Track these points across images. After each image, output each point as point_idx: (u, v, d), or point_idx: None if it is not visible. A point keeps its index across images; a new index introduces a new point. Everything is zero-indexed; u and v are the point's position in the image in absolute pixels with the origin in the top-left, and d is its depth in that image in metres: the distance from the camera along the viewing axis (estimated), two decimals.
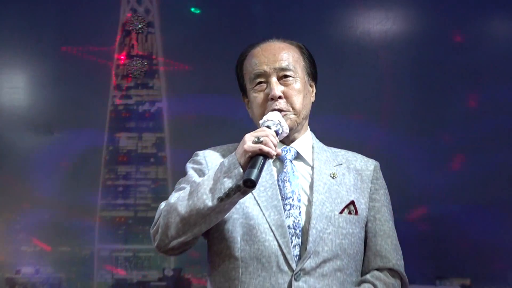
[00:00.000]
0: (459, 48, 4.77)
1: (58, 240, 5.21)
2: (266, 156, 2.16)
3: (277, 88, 2.38)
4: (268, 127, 2.26)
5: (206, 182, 2.20)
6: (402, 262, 2.38)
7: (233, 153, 2.21)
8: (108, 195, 5.40)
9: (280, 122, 2.30)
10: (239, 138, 2.30)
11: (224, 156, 2.37)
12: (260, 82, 2.41)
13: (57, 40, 5.18)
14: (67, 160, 5.24)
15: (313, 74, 2.50)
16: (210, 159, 2.39)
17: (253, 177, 2.09)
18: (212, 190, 2.18)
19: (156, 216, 2.30)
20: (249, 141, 2.18)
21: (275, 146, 2.17)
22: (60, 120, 5.24)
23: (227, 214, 2.25)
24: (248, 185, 2.10)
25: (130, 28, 5.40)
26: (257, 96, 2.41)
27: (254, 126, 2.38)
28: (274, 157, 2.17)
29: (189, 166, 2.41)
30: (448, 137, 4.74)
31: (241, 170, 2.15)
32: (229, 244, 2.29)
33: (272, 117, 2.30)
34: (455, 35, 4.79)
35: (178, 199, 2.22)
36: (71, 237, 5.24)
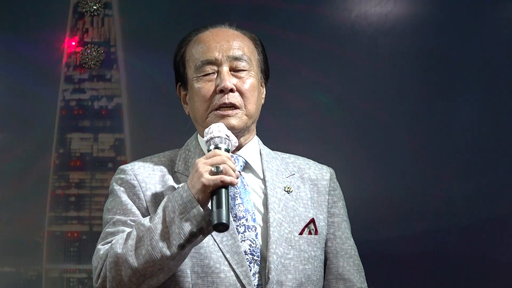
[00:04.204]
0: (473, 35, 4.68)
1: None
2: (228, 185, 2.16)
3: (230, 80, 2.35)
4: (217, 147, 2.23)
5: (158, 226, 2.18)
6: (366, 284, 2.45)
7: (184, 185, 2.19)
8: (58, 206, 5.33)
9: (228, 137, 2.27)
10: None
11: (157, 170, 2.37)
12: (208, 73, 2.38)
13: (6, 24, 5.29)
14: (10, 166, 5.24)
15: (266, 72, 2.50)
16: (142, 177, 2.35)
17: (224, 220, 2.08)
18: (169, 235, 2.18)
19: (97, 265, 2.27)
20: (205, 172, 2.16)
21: (234, 171, 2.17)
22: (1, 118, 5.21)
23: None
24: (220, 229, 2.10)
25: (83, 9, 5.34)
26: (203, 87, 2.37)
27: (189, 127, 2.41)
28: (237, 183, 2.19)
29: (118, 189, 2.37)
30: (458, 141, 4.71)
31: (201, 209, 2.14)
32: (177, 279, 2.28)
33: (217, 133, 2.27)
34: (469, 19, 4.70)
35: (127, 249, 2.20)
36: (15, 256, 5.25)
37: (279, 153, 2.52)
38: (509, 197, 4.56)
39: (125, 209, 2.30)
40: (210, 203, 2.16)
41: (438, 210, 4.64)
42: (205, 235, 2.17)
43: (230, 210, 2.16)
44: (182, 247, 2.15)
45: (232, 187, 2.25)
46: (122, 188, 2.35)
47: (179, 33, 4.99)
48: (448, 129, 4.68)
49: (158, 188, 2.35)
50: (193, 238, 2.15)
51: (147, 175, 2.35)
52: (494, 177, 4.60)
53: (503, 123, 4.63)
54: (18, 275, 5.27)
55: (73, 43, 5.33)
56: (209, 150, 2.24)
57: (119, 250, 2.19)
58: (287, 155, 2.53)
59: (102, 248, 2.27)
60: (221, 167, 2.15)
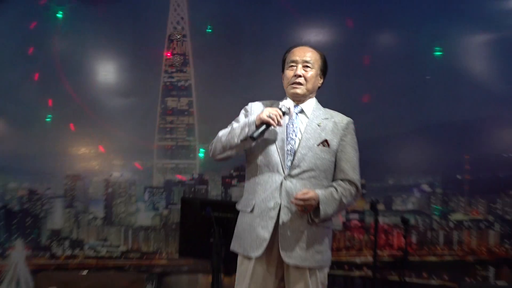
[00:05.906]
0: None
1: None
2: (270, 125, 3.05)
3: (300, 71, 3.16)
4: (280, 109, 3.07)
5: (237, 128, 3.08)
6: (359, 177, 3.19)
7: (256, 115, 3.04)
8: (160, 132, 7.48)
9: (289, 108, 3.08)
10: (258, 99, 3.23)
11: (262, 106, 3.21)
12: (292, 66, 3.19)
13: (136, 44, 7.23)
14: (134, 107, 7.11)
15: (324, 72, 3.25)
16: (254, 108, 3.24)
17: (254, 136, 3.01)
18: (239, 132, 3.06)
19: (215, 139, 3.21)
20: (265, 113, 3.03)
21: (278, 122, 3.03)
22: (128, 91, 7.18)
23: (257, 142, 3.11)
24: (251, 138, 3.01)
25: (173, 38, 7.65)
26: (289, 73, 3.18)
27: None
28: (277, 126, 3.04)
29: (242, 112, 3.26)
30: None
31: (254, 127, 3.04)
32: (254, 157, 3.19)
33: (286, 103, 3.11)
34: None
35: (223, 134, 3.13)
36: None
37: (328, 109, 3.22)
38: None
39: (238, 119, 3.17)
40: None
41: None
42: (252, 140, 2.95)
43: (262, 134, 2.91)
44: (242, 140, 3.00)
45: (285, 123, 2.98)
46: (243, 111, 3.18)
47: (226, 49, 7.23)
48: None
49: (257, 111, 3.14)
50: (247, 138, 2.97)
51: (256, 107, 3.18)
52: None
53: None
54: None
55: (168, 54, 7.44)
56: (280, 108, 3.04)
57: (220, 134, 3.12)
58: (331, 110, 3.23)
59: (219, 133, 3.13)
60: (272, 115, 2.96)
